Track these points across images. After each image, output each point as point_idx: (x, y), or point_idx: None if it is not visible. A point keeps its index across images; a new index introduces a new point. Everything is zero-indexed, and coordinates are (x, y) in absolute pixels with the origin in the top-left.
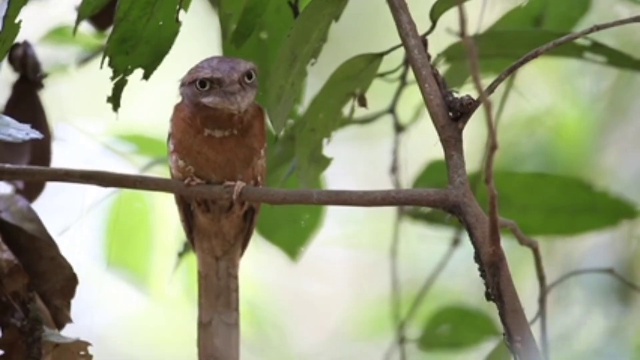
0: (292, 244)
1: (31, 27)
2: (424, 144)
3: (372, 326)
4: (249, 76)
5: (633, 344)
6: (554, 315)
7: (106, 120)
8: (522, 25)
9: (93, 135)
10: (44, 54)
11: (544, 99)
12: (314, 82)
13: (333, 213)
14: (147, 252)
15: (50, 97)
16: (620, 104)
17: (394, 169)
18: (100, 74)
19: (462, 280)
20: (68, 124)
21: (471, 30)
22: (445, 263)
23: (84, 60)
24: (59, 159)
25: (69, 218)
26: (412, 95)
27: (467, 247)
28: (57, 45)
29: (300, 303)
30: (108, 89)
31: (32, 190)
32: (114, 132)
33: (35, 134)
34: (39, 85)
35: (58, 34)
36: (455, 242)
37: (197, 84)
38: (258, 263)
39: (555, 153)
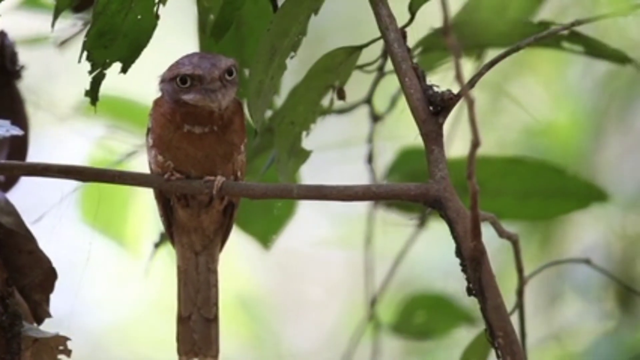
0: (265, 232)
1: None
2: (402, 133)
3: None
4: (230, 73)
5: (628, 343)
6: (548, 314)
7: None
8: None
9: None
10: (18, 22)
11: (541, 109)
12: (293, 75)
13: (326, 213)
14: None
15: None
16: (619, 109)
17: (370, 159)
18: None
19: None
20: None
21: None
22: (411, 244)
23: (64, 41)
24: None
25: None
26: (390, 85)
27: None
28: (31, 14)
29: (295, 303)
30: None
31: (6, 181)
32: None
33: (16, 130)
34: (16, 75)
35: (31, 2)
36: (422, 224)
37: (177, 80)
38: (252, 263)
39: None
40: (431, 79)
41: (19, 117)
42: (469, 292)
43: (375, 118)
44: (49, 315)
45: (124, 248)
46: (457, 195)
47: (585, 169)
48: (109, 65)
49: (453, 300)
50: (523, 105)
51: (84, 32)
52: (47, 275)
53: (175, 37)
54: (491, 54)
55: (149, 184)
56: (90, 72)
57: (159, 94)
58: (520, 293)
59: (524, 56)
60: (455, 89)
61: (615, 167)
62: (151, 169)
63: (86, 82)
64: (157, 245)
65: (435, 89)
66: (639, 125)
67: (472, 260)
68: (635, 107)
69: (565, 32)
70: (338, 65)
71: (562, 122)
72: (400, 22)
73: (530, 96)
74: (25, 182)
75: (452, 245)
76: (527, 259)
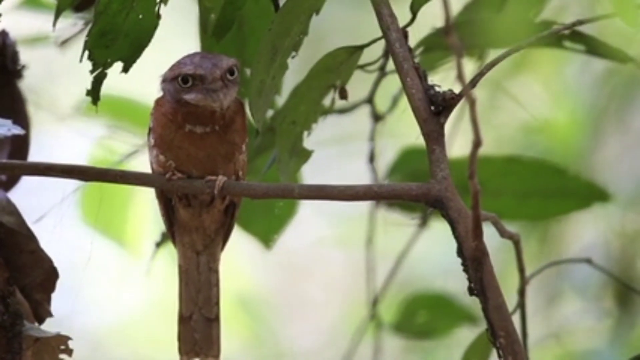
0: (266, 232)
1: None
2: (403, 133)
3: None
4: (231, 73)
5: (629, 343)
6: (548, 313)
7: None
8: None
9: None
10: (19, 22)
11: (540, 106)
12: (294, 74)
13: (327, 213)
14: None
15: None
16: (618, 107)
17: (372, 158)
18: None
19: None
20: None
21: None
22: (412, 244)
23: (65, 41)
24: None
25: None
26: (391, 85)
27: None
28: (32, 13)
29: (296, 303)
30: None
31: (8, 180)
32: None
33: (17, 130)
34: (18, 75)
35: (32, 2)
36: (423, 224)
37: (179, 80)
38: (253, 263)
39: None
40: (433, 79)
41: (20, 117)
42: (471, 292)
43: (377, 118)
44: (50, 315)
45: (125, 248)
46: (458, 195)
47: (584, 167)
48: (110, 64)
49: (454, 300)
50: (522, 103)
51: (85, 32)
52: (48, 275)
53: (176, 37)
54: (492, 53)
55: (151, 183)
56: (92, 72)
57: (160, 94)
58: (521, 293)
59: (523, 54)
60: (457, 89)
61: (614, 165)
62: (153, 169)
63: (87, 81)
64: (158, 245)
65: (437, 88)
66: (638, 124)
67: (474, 260)
68: (634, 105)
69: (567, 31)
70: (339, 64)
71: (561, 120)
72: (401, 22)
73: (529, 94)
74: (26, 181)
75: (454, 245)
76: (527, 258)
